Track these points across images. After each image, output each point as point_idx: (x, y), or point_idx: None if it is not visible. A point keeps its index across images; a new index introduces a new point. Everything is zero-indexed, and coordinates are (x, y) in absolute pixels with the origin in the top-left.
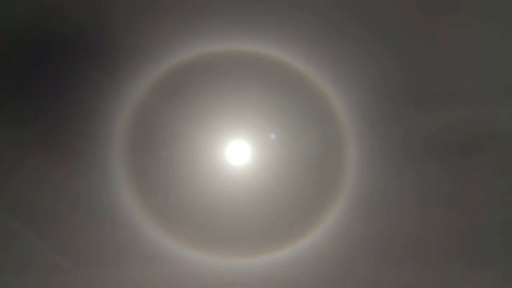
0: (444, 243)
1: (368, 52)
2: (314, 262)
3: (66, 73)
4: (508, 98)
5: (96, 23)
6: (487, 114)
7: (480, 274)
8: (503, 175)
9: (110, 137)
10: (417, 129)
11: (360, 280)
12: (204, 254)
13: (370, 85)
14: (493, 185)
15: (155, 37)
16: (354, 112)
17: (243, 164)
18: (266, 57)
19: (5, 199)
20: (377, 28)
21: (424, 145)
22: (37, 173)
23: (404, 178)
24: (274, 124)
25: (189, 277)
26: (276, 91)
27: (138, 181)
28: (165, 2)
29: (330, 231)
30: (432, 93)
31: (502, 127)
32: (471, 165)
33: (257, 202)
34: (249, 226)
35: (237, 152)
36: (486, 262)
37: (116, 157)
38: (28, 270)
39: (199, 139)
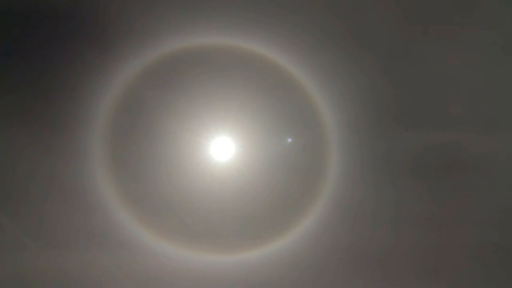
0: (415, 259)
1: (361, 65)
2: (284, 264)
3: (54, 48)
4: (487, 128)
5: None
6: (465, 139)
7: None
8: (477, 198)
9: (93, 119)
10: (400, 146)
11: (328, 287)
12: (176, 247)
13: (360, 98)
14: (467, 207)
15: (151, 22)
16: (341, 122)
17: (225, 160)
18: (260, 57)
19: None
20: (374, 43)
21: (405, 163)
22: (12, 148)
23: (382, 192)
24: (261, 125)
25: (157, 269)
26: (266, 92)
27: (117, 167)
28: None
29: (305, 236)
30: (418, 113)
31: (478, 153)
32: (447, 186)
33: (235, 201)
34: (224, 223)
35: (220, 147)
36: (456, 282)
37: (97, 139)
38: None
39: (183, 131)
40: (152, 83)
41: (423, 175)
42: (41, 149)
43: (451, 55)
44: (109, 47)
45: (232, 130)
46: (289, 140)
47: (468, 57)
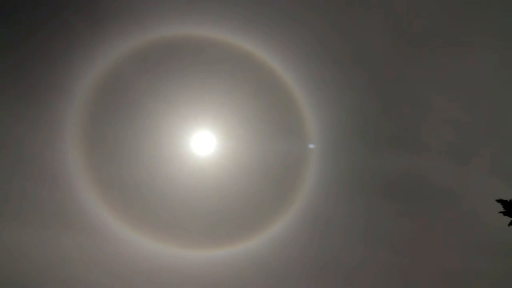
0: (378, 277)
1: (353, 85)
2: (247, 266)
3: (42, 13)
4: (459, 159)
5: None
6: (438, 167)
7: None
8: (444, 223)
9: (73, 93)
10: (376, 167)
11: None
12: (140, 236)
13: (346, 116)
14: (433, 231)
15: (149, 5)
16: (323, 136)
17: (202, 155)
18: (253, 58)
19: None
20: (369, 65)
21: (379, 183)
22: None
23: (353, 209)
24: (246, 127)
25: (116, 255)
26: (254, 94)
27: (91, 147)
28: None
29: (272, 241)
30: (398, 137)
31: (448, 181)
32: (416, 209)
33: (207, 198)
34: (193, 219)
35: (199, 141)
36: None
37: (74, 115)
38: None
39: (165, 119)
40: (138, 67)
41: (395, 197)
42: (12, 118)
43: (436, 89)
44: (101, 21)
45: (215, 126)
46: (270, 145)
47: (449, 92)
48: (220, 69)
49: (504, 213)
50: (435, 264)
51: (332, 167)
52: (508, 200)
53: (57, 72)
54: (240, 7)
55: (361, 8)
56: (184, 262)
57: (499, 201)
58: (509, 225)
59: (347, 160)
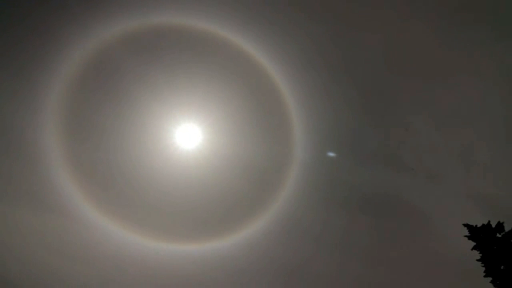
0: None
1: (342, 96)
2: (216, 264)
3: None
4: (435, 179)
5: None
6: (415, 186)
7: None
8: (416, 241)
9: (59, 71)
10: (356, 181)
11: None
12: (109, 223)
13: (333, 126)
14: (406, 248)
15: None
16: (309, 145)
17: (184, 147)
18: (246, 55)
19: None
20: (360, 80)
21: (358, 197)
22: None
23: (328, 221)
24: (232, 124)
25: (83, 239)
26: (246, 92)
27: (71, 132)
28: None
29: (245, 243)
30: (381, 154)
31: (424, 201)
32: (388, 226)
33: (185, 191)
34: (167, 212)
35: (178, 133)
36: None
37: (57, 93)
38: None
39: (151, 107)
40: (128, 52)
41: (371, 211)
42: None
43: (419, 112)
44: (98, 5)
45: (202, 119)
46: (256, 145)
47: (431, 117)
48: (210, 62)
49: (469, 238)
50: (401, 280)
51: (313, 177)
52: (474, 226)
53: (45, 45)
54: (240, 3)
55: (361, 25)
56: (153, 254)
57: (465, 225)
58: (472, 249)
59: (329, 171)
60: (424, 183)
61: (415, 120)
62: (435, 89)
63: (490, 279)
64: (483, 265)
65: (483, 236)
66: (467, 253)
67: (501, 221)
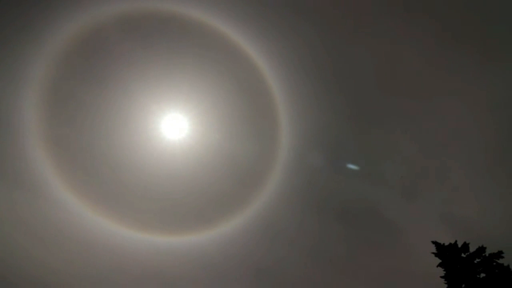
0: None
1: (331, 104)
2: (188, 258)
3: None
4: (411, 196)
5: None
6: (391, 200)
7: None
8: (388, 254)
9: (47, 43)
10: (335, 189)
11: None
12: (82, 207)
13: (319, 132)
14: (378, 259)
15: None
16: (294, 147)
17: (169, 137)
18: (241, 51)
19: None
20: (351, 91)
21: (334, 206)
22: None
23: (305, 226)
24: (220, 119)
25: (54, 221)
26: (236, 88)
27: (52, 108)
28: None
29: (220, 238)
30: (363, 166)
31: (398, 215)
32: (362, 236)
33: (163, 182)
34: (143, 200)
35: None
36: None
37: (40, 69)
38: None
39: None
40: (119, 33)
41: (346, 220)
42: None
43: (403, 131)
44: None
45: (188, 109)
46: (242, 141)
47: (414, 136)
48: (204, 55)
49: (436, 255)
50: None
51: (294, 180)
52: (442, 244)
53: (36, 16)
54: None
55: (357, 39)
56: (125, 241)
57: (434, 242)
58: (437, 266)
59: (310, 177)
60: (399, 199)
61: (399, 137)
62: (421, 108)
63: None
64: (446, 282)
65: (449, 255)
66: (433, 269)
67: (467, 242)
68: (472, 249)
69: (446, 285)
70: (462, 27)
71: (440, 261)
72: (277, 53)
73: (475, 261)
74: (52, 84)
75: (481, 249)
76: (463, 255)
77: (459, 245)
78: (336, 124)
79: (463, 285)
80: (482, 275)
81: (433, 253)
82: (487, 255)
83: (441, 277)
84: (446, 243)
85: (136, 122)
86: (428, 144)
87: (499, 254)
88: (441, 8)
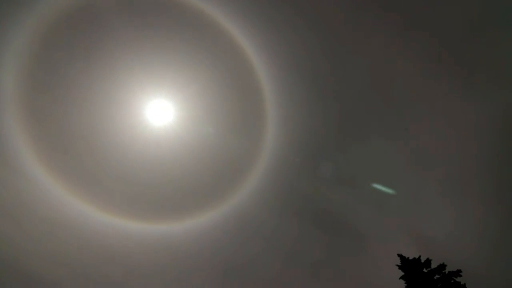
0: None
1: (320, 109)
2: (159, 246)
3: None
4: (385, 209)
5: None
6: (366, 213)
7: None
8: (359, 263)
9: (33, 14)
10: (312, 195)
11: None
12: (58, 186)
13: (303, 135)
14: (349, 267)
15: None
16: (277, 148)
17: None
18: (232, 39)
19: None
20: (340, 100)
21: (310, 210)
22: None
23: (280, 226)
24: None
25: (26, 198)
26: (224, 77)
27: (32, 83)
28: None
29: (193, 229)
30: (337, 175)
31: (361, 224)
32: (333, 242)
33: (144, 167)
34: (119, 184)
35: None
36: None
37: (24, 40)
38: None
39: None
40: (117, 12)
41: (320, 225)
42: None
43: (385, 146)
44: None
45: (174, 95)
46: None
47: (391, 154)
48: (195, 43)
49: (399, 267)
50: None
51: (276, 181)
52: (407, 257)
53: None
54: None
55: (354, 48)
56: (95, 223)
57: (399, 255)
58: (400, 278)
59: (292, 179)
60: (374, 211)
61: (383, 150)
62: (407, 125)
63: None
64: None
65: (411, 268)
66: (396, 281)
67: (429, 258)
68: (433, 265)
69: None
70: (456, 50)
71: (403, 273)
72: (272, 50)
73: (435, 277)
74: (36, 54)
75: (442, 266)
76: (424, 270)
77: (422, 261)
78: (324, 130)
79: None
80: None
81: (397, 265)
82: (446, 272)
83: None
84: (411, 257)
85: (120, 103)
86: (410, 160)
87: (458, 273)
88: (440, 28)
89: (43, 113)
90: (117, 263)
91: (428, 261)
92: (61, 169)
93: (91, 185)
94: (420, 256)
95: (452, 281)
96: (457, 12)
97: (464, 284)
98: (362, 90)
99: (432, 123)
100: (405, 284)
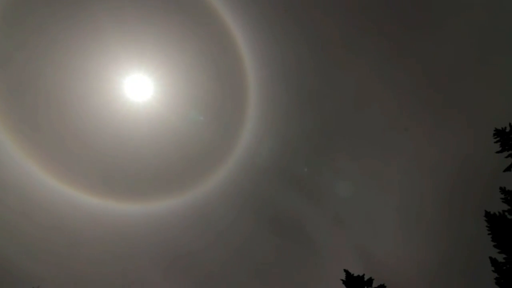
0: None
1: (309, 115)
2: (111, 225)
3: None
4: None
5: None
6: (314, 219)
7: None
8: (299, 268)
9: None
10: (272, 198)
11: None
12: (28, 161)
13: (281, 142)
14: (290, 270)
15: None
16: (252, 145)
17: (132, 100)
18: (222, 22)
19: None
20: (328, 109)
21: (268, 212)
22: None
23: (235, 223)
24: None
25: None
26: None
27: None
28: None
29: (150, 213)
30: (301, 183)
31: (315, 233)
32: (286, 247)
33: (110, 145)
34: (91, 163)
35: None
36: None
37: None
38: None
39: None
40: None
41: (275, 228)
42: None
43: (360, 159)
44: None
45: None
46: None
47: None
48: (185, 23)
49: (344, 282)
50: None
51: (240, 179)
52: (352, 273)
53: None
54: None
55: (340, 63)
56: (62, 199)
57: (345, 270)
58: None
59: (256, 179)
60: (330, 223)
61: (351, 167)
62: (378, 148)
63: None
64: None
65: (354, 285)
66: None
67: (372, 278)
68: (375, 284)
69: None
70: (439, 87)
71: None
72: (268, 50)
73: None
74: (10, 16)
75: (382, 286)
76: None
77: (365, 279)
78: (301, 136)
79: None
80: None
81: (342, 280)
82: None
83: None
84: (356, 274)
85: (97, 76)
86: (371, 183)
87: None
88: (429, 63)
89: (15, 88)
90: (63, 232)
91: (370, 280)
92: (31, 141)
93: (59, 158)
94: (364, 274)
95: None
96: (450, 50)
97: None
98: (341, 109)
99: (401, 152)
100: None
